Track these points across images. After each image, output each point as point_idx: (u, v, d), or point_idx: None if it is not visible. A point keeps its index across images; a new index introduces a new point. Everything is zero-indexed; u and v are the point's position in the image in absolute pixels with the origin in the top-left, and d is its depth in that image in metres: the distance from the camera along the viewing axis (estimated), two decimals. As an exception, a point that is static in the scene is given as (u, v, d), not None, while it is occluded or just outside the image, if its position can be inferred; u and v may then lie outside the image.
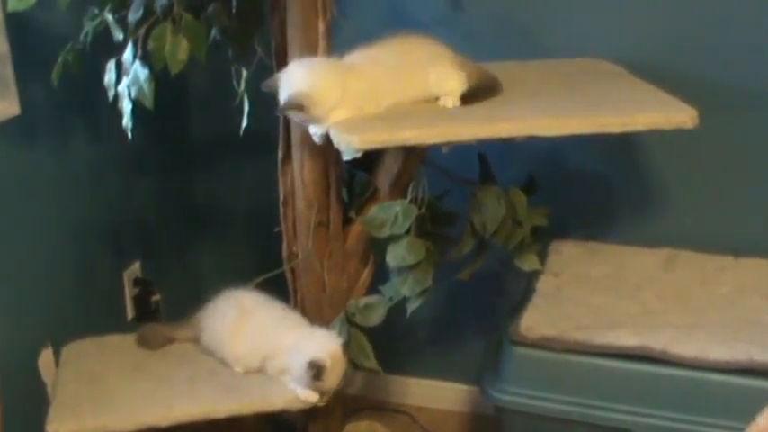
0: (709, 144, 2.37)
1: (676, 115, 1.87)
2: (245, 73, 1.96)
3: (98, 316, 2.09)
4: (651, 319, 2.11)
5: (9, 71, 2.09)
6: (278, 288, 2.21)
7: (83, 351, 2.22)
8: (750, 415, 1.56)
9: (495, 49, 2.42)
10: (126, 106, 1.93)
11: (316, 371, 1.96)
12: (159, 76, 1.90)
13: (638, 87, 2.09)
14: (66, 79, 2.02)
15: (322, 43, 1.93)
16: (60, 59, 1.97)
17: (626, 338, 2.02)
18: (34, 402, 2.11)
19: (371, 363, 2.13)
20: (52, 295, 2.31)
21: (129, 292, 2.62)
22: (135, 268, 2.66)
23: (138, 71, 1.89)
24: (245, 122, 1.97)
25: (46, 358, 2.25)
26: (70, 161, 2.35)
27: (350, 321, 2.10)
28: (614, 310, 2.15)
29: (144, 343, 2.19)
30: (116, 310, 2.50)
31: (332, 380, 1.99)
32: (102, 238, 2.51)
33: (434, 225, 2.08)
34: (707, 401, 1.97)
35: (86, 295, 2.39)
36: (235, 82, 1.95)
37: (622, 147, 2.45)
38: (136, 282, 2.65)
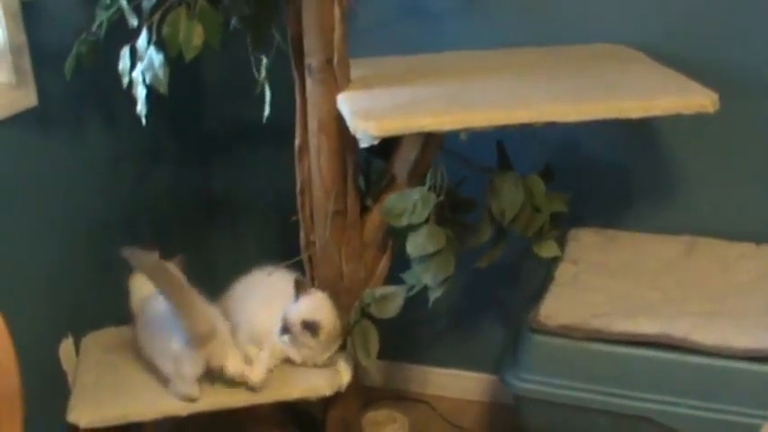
0: (729, 130, 2.36)
1: (697, 99, 1.85)
2: (264, 60, 1.95)
3: (117, 306, 2.09)
4: (671, 306, 2.09)
5: (26, 61, 2.09)
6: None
7: (102, 341, 2.23)
8: (772, 402, 1.55)
9: (512, 35, 2.41)
10: (140, 92, 1.92)
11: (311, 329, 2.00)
12: (174, 65, 1.89)
13: (658, 72, 2.07)
14: (83, 69, 2.02)
15: (338, 29, 1.93)
16: (73, 51, 1.97)
17: (646, 326, 2.01)
18: (55, 392, 2.12)
19: (370, 361, 2.09)
20: (71, 285, 2.31)
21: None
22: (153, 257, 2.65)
23: (152, 57, 1.89)
24: (267, 111, 1.96)
25: (66, 348, 2.25)
26: (87, 151, 2.36)
27: (364, 312, 2.09)
28: (634, 297, 2.14)
29: None
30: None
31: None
32: (120, 227, 2.52)
33: (453, 212, 2.08)
34: (728, 389, 1.96)
35: (105, 285, 2.40)
36: (255, 70, 1.94)
37: (641, 133, 2.43)
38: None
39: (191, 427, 2.58)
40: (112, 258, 2.46)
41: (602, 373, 2.03)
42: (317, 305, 2.05)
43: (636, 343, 2.00)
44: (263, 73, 1.95)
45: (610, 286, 2.20)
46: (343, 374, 2.07)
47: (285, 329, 2.02)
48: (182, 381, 1.96)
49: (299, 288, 2.04)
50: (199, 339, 1.91)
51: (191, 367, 1.95)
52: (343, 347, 2.08)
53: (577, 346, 2.04)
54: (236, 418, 2.15)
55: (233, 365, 1.97)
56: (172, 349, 1.95)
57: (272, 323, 2.06)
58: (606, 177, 2.56)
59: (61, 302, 2.27)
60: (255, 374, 1.98)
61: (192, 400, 1.96)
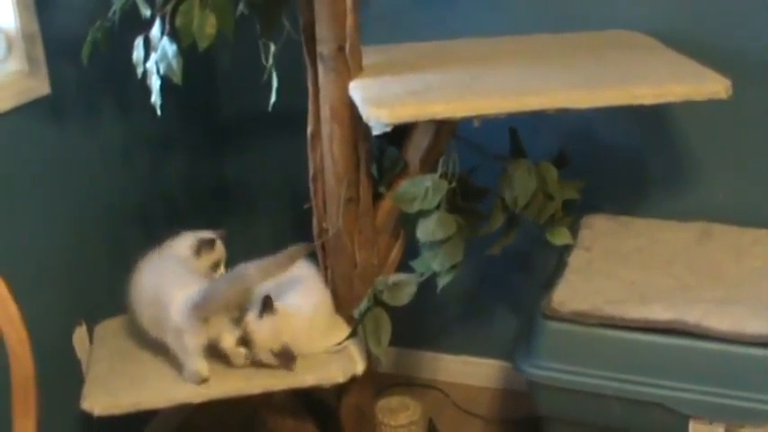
0: (742, 116, 2.35)
1: (710, 86, 1.84)
2: (272, 48, 1.95)
3: (130, 293, 2.10)
4: (685, 293, 2.09)
5: (39, 50, 2.10)
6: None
7: (116, 329, 2.24)
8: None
9: (525, 22, 2.41)
10: (154, 83, 1.93)
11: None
12: (187, 53, 1.89)
13: (671, 58, 2.06)
14: (96, 57, 2.03)
15: (350, 17, 1.92)
16: (89, 37, 1.97)
17: (659, 312, 2.01)
18: (69, 379, 2.14)
19: (380, 349, 2.08)
20: (85, 274, 2.32)
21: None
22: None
23: (166, 47, 1.89)
24: (273, 98, 1.97)
25: (80, 336, 2.27)
26: (100, 139, 2.36)
27: (376, 300, 2.09)
28: (647, 284, 2.14)
29: None
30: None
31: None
32: (134, 216, 2.52)
33: (465, 200, 2.07)
34: (741, 375, 1.95)
35: (119, 273, 2.40)
36: (263, 57, 1.94)
37: (654, 119, 2.43)
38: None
39: (204, 415, 2.60)
40: (126, 246, 2.48)
41: (616, 359, 2.03)
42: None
43: (649, 329, 2.00)
44: (271, 60, 1.94)
45: (623, 273, 2.19)
46: (357, 362, 2.08)
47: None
48: (187, 356, 1.97)
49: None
50: (197, 309, 1.93)
51: (191, 337, 1.96)
52: (354, 334, 2.08)
53: (591, 332, 2.04)
54: (249, 406, 2.16)
55: (227, 340, 1.99)
56: (173, 322, 1.96)
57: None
58: (619, 164, 2.55)
59: (75, 291, 2.28)
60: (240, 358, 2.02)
61: (203, 379, 1.96)
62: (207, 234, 2.16)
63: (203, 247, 2.10)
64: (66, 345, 2.25)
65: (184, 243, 2.14)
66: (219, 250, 2.13)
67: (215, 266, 2.12)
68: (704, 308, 2.01)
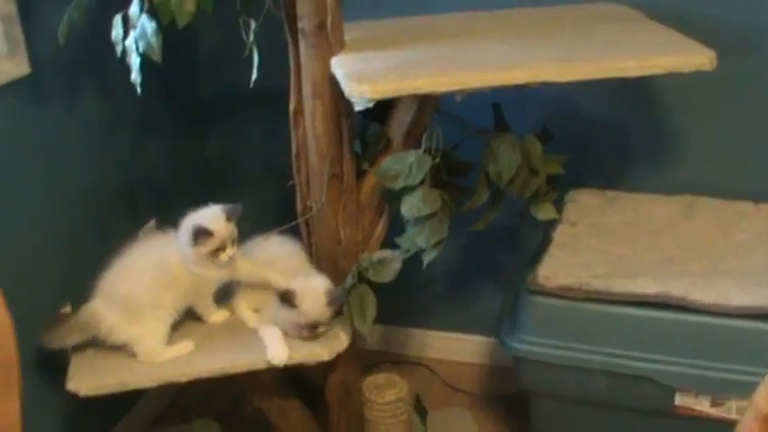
0: (727, 88, 2.35)
1: (695, 57, 1.84)
2: (253, 24, 1.94)
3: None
4: (670, 266, 2.09)
5: (17, 30, 2.07)
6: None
7: (101, 309, 2.23)
8: (771, 359, 1.55)
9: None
10: (134, 61, 1.91)
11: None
12: (167, 30, 1.88)
13: (656, 31, 2.06)
14: (75, 37, 2.01)
15: (332, -8, 1.91)
16: (66, 16, 1.95)
17: (645, 286, 2.01)
18: (54, 361, 2.12)
19: (365, 327, 2.08)
20: (69, 254, 2.31)
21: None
22: (151, 225, 2.65)
23: (145, 25, 1.87)
24: (255, 75, 1.95)
25: (64, 317, 2.25)
26: (82, 119, 2.34)
27: (361, 277, 2.08)
28: (633, 258, 2.14)
29: None
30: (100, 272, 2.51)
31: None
32: (117, 196, 2.51)
33: (449, 175, 2.07)
34: (727, 347, 1.96)
35: (104, 253, 2.39)
36: (243, 34, 1.93)
37: (638, 93, 2.42)
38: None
39: (191, 395, 2.60)
40: (110, 227, 2.47)
41: (602, 333, 2.04)
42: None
43: (635, 303, 2.00)
44: (252, 37, 1.93)
45: (608, 247, 2.19)
46: (342, 339, 2.07)
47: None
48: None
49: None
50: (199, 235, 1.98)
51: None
52: (340, 312, 2.07)
53: (576, 306, 2.04)
54: (236, 385, 2.16)
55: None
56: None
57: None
58: (604, 138, 2.55)
59: (59, 272, 2.27)
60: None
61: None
62: (214, 212, 2.05)
63: (199, 236, 2.01)
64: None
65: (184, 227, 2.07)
66: (220, 236, 2.01)
67: (217, 252, 2.02)
68: (690, 281, 2.01)
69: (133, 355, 2.01)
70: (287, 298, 2.01)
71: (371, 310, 2.07)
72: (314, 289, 2.03)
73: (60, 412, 2.28)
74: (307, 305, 2.01)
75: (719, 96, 2.38)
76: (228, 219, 2.00)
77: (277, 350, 1.99)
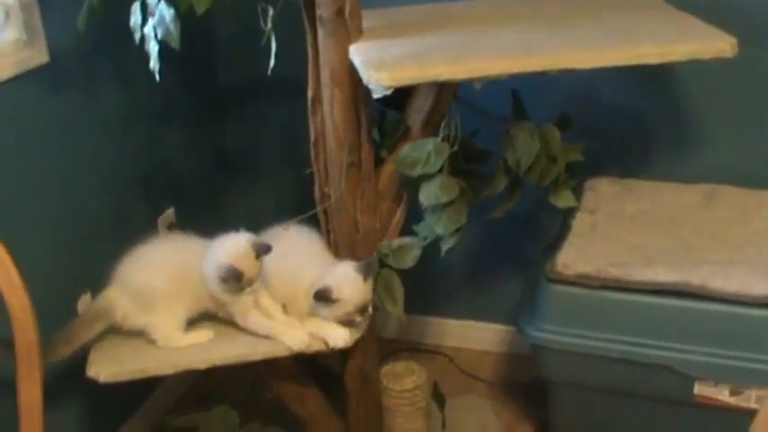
0: (747, 76, 2.33)
1: (715, 44, 1.82)
2: (271, 12, 1.93)
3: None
4: (690, 255, 2.08)
5: (36, 19, 2.08)
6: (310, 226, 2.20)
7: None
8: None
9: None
10: (152, 48, 1.91)
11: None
12: (185, 18, 1.88)
13: (676, 17, 2.04)
14: (93, 24, 2.01)
15: (350, -22, 1.90)
16: (86, 4, 1.95)
17: (664, 274, 2.00)
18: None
19: (397, 309, 2.09)
20: (87, 243, 2.32)
21: (163, 238, 2.63)
22: (169, 214, 2.66)
23: (163, 11, 1.87)
24: (272, 62, 1.95)
25: (84, 304, 2.27)
26: (100, 107, 2.35)
27: (382, 263, 2.08)
28: (652, 246, 2.13)
29: None
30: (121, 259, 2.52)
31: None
32: (136, 184, 2.52)
33: (467, 163, 2.07)
34: (747, 336, 1.96)
35: (122, 241, 2.40)
36: (261, 21, 1.92)
37: (658, 80, 2.41)
38: (170, 227, 2.65)
39: (209, 382, 2.61)
40: (127, 214, 2.48)
41: (621, 321, 2.03)
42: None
43: (654, 291, 2.00)
44: (270, 24, 1.92)
45: (627, 235, 2.19)
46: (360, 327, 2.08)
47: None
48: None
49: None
50: None
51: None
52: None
53: (595, 295, 2.04)
54: (254, 372, 2.16)
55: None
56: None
57: (289, 278, 2.05)
58: (623, 126, 2.54)
59: (78, 259, 2.28)
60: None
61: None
62: (244, 249, 1.94)
63: (229, 277, 1.92)
64: (72, 313, 2.24)
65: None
66: (248, 275, 1.93)
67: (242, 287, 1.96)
68: (709, 269, 2.00)
69: (152, 341, 2.02)
70: (324, 296, 1.96)
71: (400, 292, 2.08)
72: (346, 275, 1.99)
73: (80, 398, 2.30)
74: (346, 294, 1.97)
75: (740, 84, 2.36)
76: (257, 257, 1.94)
77: (296, 337, 1.99)
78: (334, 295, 1.96)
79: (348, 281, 1.99)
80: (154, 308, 2.00)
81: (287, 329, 1.99)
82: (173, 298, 2.00)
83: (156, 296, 1.99)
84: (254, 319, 1.99)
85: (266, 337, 1.98)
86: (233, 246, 1.94)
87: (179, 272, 2.00)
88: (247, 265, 1.92)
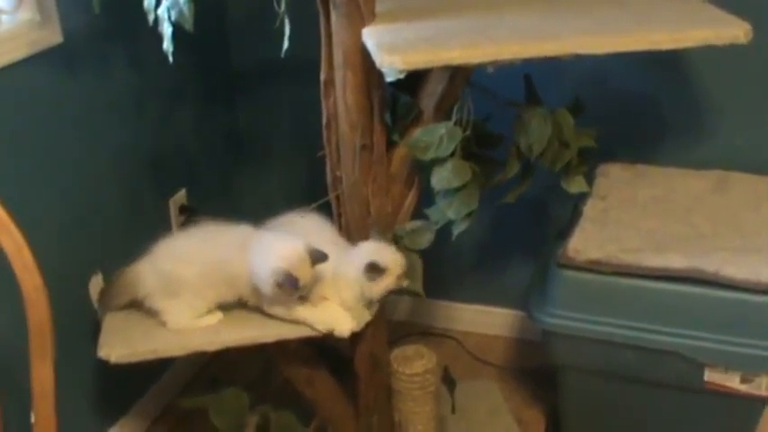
0: (761, 62, 2.32)
1: (729, 30, 1.81)
2: (285, -7, 1.93)
3: (146, 243, 2.10)
4: (702, 241, 2.08)
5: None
6: (321, 212, 2.20)
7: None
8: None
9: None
10: (166, 29, 1.90)
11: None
12: (199, 1, 1.87)
13: (690, 3, 2.03)
14: (107, 5, 2.01)
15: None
16: (101, -15, 1.96)
17: (676, 261, 2.00)
18: (86, 327, 2.15)
19: (417, 285, 2.11)
20: (100, 222, 2.32)
21: (175, 220, 2.64)
22: (181, 195, 2.67)
23: (177, -7, 1.87)
24: (286, 44, 1.95)
25: (96, 285, 2.27)
26: (113, 89, 2.35)
27: (397, 243, 2.09)
28: (663, 233, 2.13)
29: None
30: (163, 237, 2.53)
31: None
32: (148, 165, 2.52)
33: (480, 147, 2.06)
34: (758, 324, 1.95)
35: (134, 223, 2.41)
36: (275, 3, 1.92)
37: (671, 65, 2.40)
38: (182, 209, 2.66)
39: (220, 364, 2.62)
40: (139, 197, 2.48)
41: (632, 307, 2.03)
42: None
43: (665, 278, 1.99)
44: (283, 6, 1.92)
45: (639, 222, 2.18)
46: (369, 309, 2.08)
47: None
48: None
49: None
50: None
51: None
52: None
53: (606, 280, 2.04)
54: (264, 355, 2.17)
55: None
56: None
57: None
58: (636, 111, 2.53)
59: (90, 241, 2.29)
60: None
61: None
62: (300, 255, 1.93)
63: (285, 284, 1.92)
64: (83, 294, 2.25)
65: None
66: (305, 282, 1.93)
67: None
68: (721, 256, 2.00)
69: (162, 323, 2.03)
70: (375, 268, 1.99)
71: (419, 269, 2.10)
72: (377, 247, 2.03)
73: (91, 379, 2.31)
74: (390, 261, 2.01)
75: (753, 70, 2.35)
76: (313, 264, 1.94)
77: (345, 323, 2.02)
78: (382, 264, 1.99)
79: (383, 250, 2.02)
80: (177, 296, 2.01)
81: (334, 317, 2.01)
82: (198, 291, 2.01)
83: (182, 286, 2.00)
84: (297, 315, 2.00)
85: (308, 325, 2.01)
86: (290, 251, 1.92)
87: (213, 267, 2.01)
88: (303, 272, 1.92)
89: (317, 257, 1.93)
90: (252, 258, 1.96)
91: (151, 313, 2.05)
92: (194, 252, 2.04)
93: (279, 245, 1.95)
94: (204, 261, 2.01)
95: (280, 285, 1.91)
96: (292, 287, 1.91)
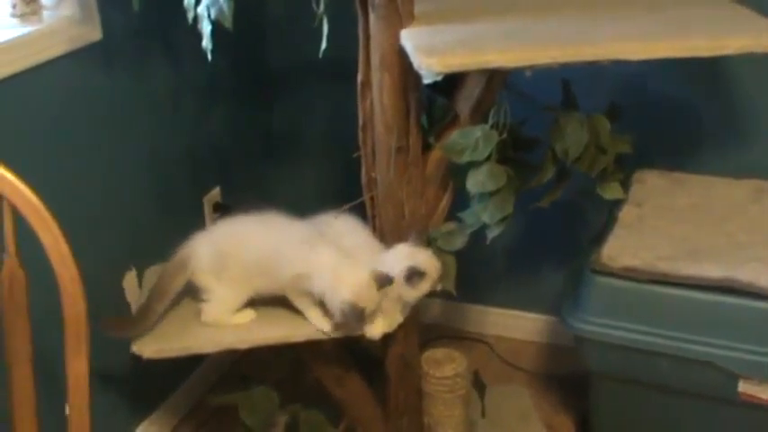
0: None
1: (770, 38, 1.79)
2: (324, -6, 1.94)
3: (179, 240, 2.11)
4: (737, 251, 2.06)
5: (91, -5, 2.10)
6: (355, 214, 2.21)
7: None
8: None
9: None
10: (205, 27, 1.91)
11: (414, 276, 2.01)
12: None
13: (730, 10, 2.01)
14: (147, 3, 2.02)
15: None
16: (142, -16, 1.97)
17: (711, 270, 1.98)
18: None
19: (449, 284, 2.11)
20: (135, 219, 2.34)
21: (209, 217, 2.65)
22: (215, 193, 2.68)
23: (216, -9, 1.88)
24: (324, 44, 1.95)
25: (130, 280, 2.29)
26: (150, 86, 2.37)
27: (431, 245, 2.10)
28: (699, 241, 2.11)
29: None
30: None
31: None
32: (183, 163, 2.53)
33: (516, 151, 2.06)
34: (794, 335, 1.93)
35: (168, 220, 2.42)
36: (314, 3, 1.92)
37: (710, 72, 2.38)
38: (215, 207, 2.67)
39: (251, 362, 2.63)
40: (174, 193, 2.49)
41: (666, 316, 2.02)
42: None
43: (700, 287, 1.98)
44: (322, 7, 1.93)
45: (675, 230, 2.17)
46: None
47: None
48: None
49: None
50: None
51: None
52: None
53: (641, 288, 2.02)
54: (295, 354, 2.17)
55: None
56: None
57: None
58: (673, 118, 2.51)
59: (125, 236, 2.30)
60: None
61: None
62: (366, 282, 1.97)
63: (349, 312, 1.96)
64: (117, 289, 2.27)
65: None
66: (368, 308, 1.97)
67: None
68: (757, 267, 1.98)
69: (198, 311, 2.05)
70: (416, 272, 2.01)
71: (452, 268, 2.11)
72: (413, 251, 2.04)
73: (123, 375, 2.33)
74: (429, 264, 2.03)
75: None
76: (379, 289, 1.96)
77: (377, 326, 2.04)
78: (423, 269, 2.01)
79: (421, 254, 2.03)
80: (221, 277, 2.02)
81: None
82: (243, 279, 2.03)
83: (230, 268, 2.02)
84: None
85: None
86: (357, 282, 1.95)
87: (269, 257, 2.02)
88: (369, 300, 1.95)
89: (383, 282, 1.96)
90: (317, 281, 1.98)
91: (194, 292, 2.06)
92: (255, 238, 2.05)
93: (346, 274, 1.96)
94: (263, 248, 2.02)
95: (346, 315, 1.94)
96: (357, 318, 1.95)
